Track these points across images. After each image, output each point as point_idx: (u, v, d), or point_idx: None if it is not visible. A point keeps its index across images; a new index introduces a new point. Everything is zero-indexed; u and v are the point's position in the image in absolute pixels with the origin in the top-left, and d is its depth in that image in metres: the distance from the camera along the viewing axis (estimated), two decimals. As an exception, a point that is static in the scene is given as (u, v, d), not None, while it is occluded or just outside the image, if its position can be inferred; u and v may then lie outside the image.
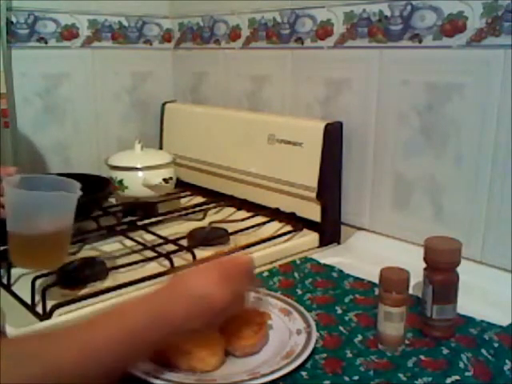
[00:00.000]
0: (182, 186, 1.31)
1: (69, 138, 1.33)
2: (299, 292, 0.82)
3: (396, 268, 0.67)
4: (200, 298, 0.57)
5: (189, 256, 0.89)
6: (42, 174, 0.76)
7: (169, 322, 0.56)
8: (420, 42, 0.90)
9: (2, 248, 0.77)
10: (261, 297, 0.77)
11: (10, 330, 0.69)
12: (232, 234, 1.01)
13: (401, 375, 0.62)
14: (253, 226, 1.04)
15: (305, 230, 1.05)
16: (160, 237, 0.98)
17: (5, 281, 0.82)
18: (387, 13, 0.94)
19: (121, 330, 0.53)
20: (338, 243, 1.06)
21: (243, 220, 1.08)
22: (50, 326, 0.70)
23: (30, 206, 0.68)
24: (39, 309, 0.73)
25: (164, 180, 1.16)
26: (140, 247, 0.94)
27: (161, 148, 1.41)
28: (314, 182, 1.02)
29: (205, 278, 0.59)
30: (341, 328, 0.72)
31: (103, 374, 0.52)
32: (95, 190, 1.06)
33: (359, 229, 1.04)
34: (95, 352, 0.51)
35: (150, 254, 0.91)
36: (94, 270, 0.84)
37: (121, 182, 1.15)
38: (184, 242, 0.96)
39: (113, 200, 1.21)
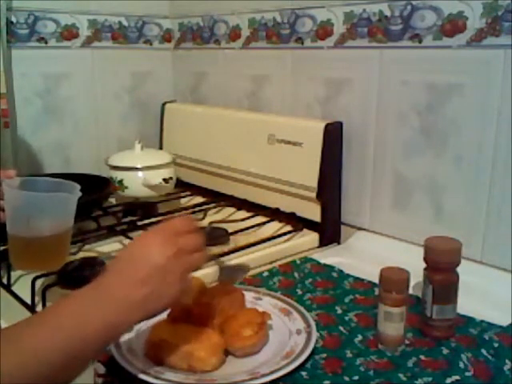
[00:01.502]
0: (182, 186, 1.31)
1: (69, 138, 1.33)
2: (299, 292, 0.82)
3: (396, 268, 0.67)
4: (146, 261, 0.56)
5: (189, 256, 0.89)
6: (41, 177, 0.75)
7: (125, 295, 0.54)
8: (420, 42, 0.90)
9: (1, 248, 0.77)
10: (261, 297, 0.77)
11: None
12: (232, 233, 1.01)
13: (401, 375, 0.62)
14: (253, 226, 1.04)
15: (305, 230, 1.05)
16: (160, 237, 0.98)
17: (5, 281, 0.82)
18: (387, 13, 0.94)
19: (72, 328, 0.52)
20: (338, 243, 1.06)
21: (243, 220, 1.08)
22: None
23: (30, 208, 0.67)
24: (39, 309, 0.73)
25: (164, 180, 1.16)
26: (140, 247, 0.94)
27: (161, 148, 1.41)
28: (313, 181, 1.02)
29: (147, 241, 0.59)
30: (341, 328, 0.72)
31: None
32: (95, 190, 1.06)
33: (359, 229, 1.04)
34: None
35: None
36: (94, 270, 0.84)
37: (121, 182, 1.15)
38: (184, 242, 0.95)
39: (113, 200, 1.21)
